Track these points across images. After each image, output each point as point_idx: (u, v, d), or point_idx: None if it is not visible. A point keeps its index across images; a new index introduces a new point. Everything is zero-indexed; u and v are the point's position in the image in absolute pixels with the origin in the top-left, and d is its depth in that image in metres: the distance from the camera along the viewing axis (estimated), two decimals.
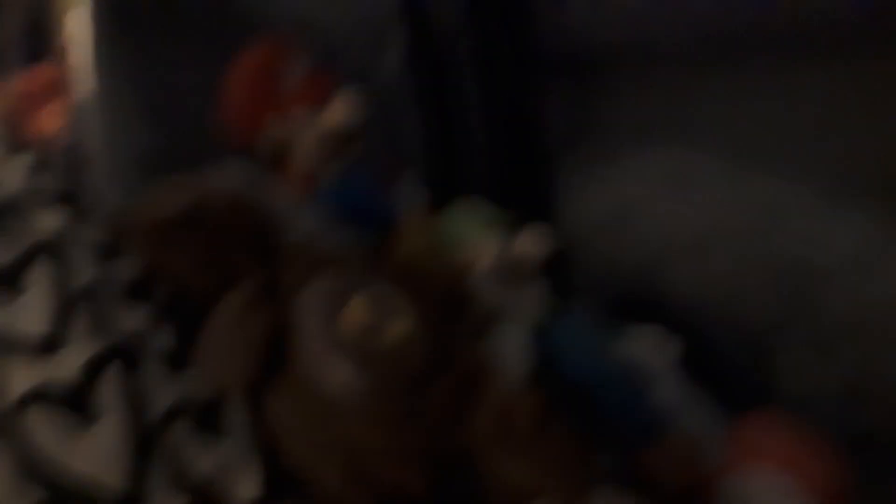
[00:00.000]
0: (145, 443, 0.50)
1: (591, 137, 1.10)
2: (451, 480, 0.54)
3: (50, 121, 0.99)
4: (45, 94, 1.14)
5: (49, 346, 0.52)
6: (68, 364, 0.51)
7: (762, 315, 1.00)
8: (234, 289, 0.55)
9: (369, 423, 0.51)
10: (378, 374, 0.52)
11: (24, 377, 0.50)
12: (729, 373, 0.88)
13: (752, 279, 1.00)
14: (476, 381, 0.55)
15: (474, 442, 0.53)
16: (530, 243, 0.80)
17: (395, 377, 0.53)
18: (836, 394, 0.93)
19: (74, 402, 0.50)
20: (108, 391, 0.51)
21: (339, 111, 0.79)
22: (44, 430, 0.48)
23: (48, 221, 0.60)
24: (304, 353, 0.52)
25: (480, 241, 0.75)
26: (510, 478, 0.53)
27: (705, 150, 1.05)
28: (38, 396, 0.49)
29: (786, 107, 1.02)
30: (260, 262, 0.57)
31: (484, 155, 1.05)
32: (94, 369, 0.52)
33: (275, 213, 0.62)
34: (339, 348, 0.52)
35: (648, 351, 0.76)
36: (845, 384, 0.94)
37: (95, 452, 0.49)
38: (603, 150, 1.10)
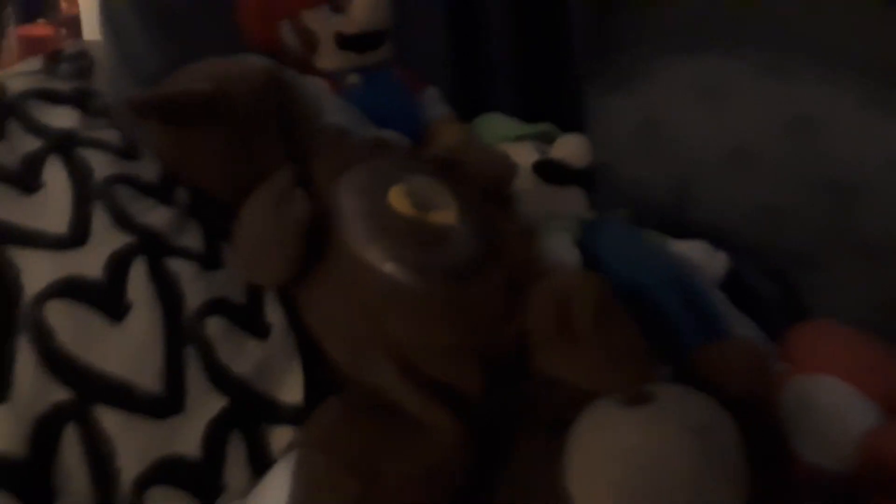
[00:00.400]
0: (179, 341, 0.47)
1: (619, 48, 1.05)
2: (503, 380, 0.51)
3: None
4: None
5: (70, 241, 0.48)
6: (91, 259, 0.47)
7: (800, 233, 0.96)
8: (266, 179, 0.50)
9: (417, 316, 0.47)
10: (423, 264, 0.48)
11: (44, 271, 0.46)
12: (765, 290, 0.85)
13: (789, 196, 0.96)
14: (528, 275, 0.51)
15: (530, 337, 0.50)
16: (570, 149, 0.76)
17: (442, 267, 0.49)
18: (877, 309, 0.91)
19: (101, 300, 0.46)
20: (136, 287, 0.47)
21: (362, 11, 0.74)
22: (67, 327, 0.44)
23: (62, 120, 0.56)
24: (346, 243, 0.48)
25: (515, 147, 0.70)
26: (569, 373, 0.49)
27: (739, 61, 1.00)
28: (59, 292, 0.45)
29: (825, 14, 0.97)
30: (292, 149, 0.53)
31: (511, 67, 0.99)
32: (119, 265, 0.48)
33: (307, 98, 0.57)
34: (382, 236, 0.48)
35: (696, 262, 0.73)
36: (885, 300, 0.91)
37: (125, 350, 0.45)
38: (632, 62, 1.05)
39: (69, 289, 0.46)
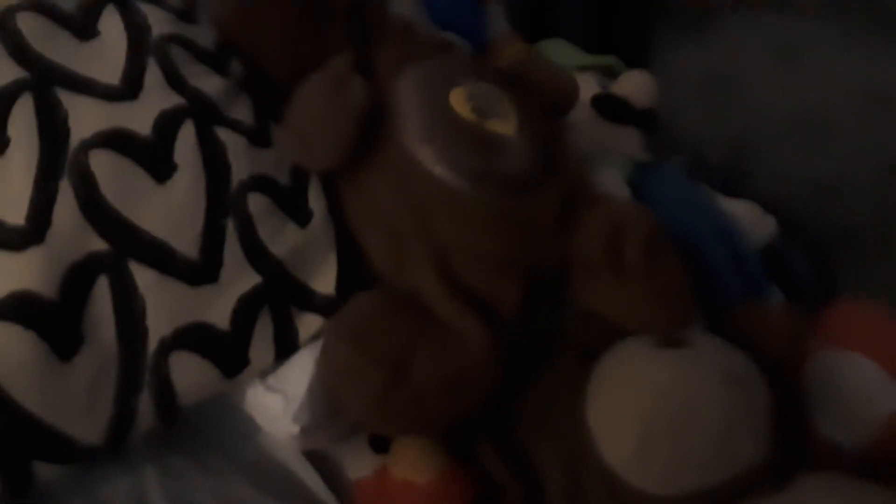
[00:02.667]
0: (220, 211, 0.46)
1: None
2: (541, 303, 0.50)
3: None
4: None
5: (121, 93, 0.46)
6: (141, 115, 0.46)
7: (852, 211, 0.93)
8: (326, 63, 0.48)
9: (463, 221, 0.46)
10: (476, 171, 0.46)
11: (93, 120, 0.44)
12: (800, 266, 0.82)
13: (849, 172, 0.92)
14: (582, 199, 0.49)
15: (576, 262, 0.48)
16: (634, 86, 0.73)
17: (495, 176, 0.47)
18: None
19: (147, 158, 0.45)
20: (183, 150, 0.46)
21: None
22: (110, 179, 0.43)
23: None
24: (401, 138, 0.46)
25: (578, 76, 0.67)
26: (610, 306, 0.48)
27: (821, 26, 0.95)
28: (106, 142, 0.44)
29: None
30: (357, 34, 0.51)
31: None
32: (168, 125, 0.46)
33: None
34: (438, 137, 0.46)
35: (744, 222, 0.71)
36: None
37: (166, 211, 0.44)
38: (704, 11, 1.00)
39: (116, 141, 0.44)
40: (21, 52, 0.46)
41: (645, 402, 0.44)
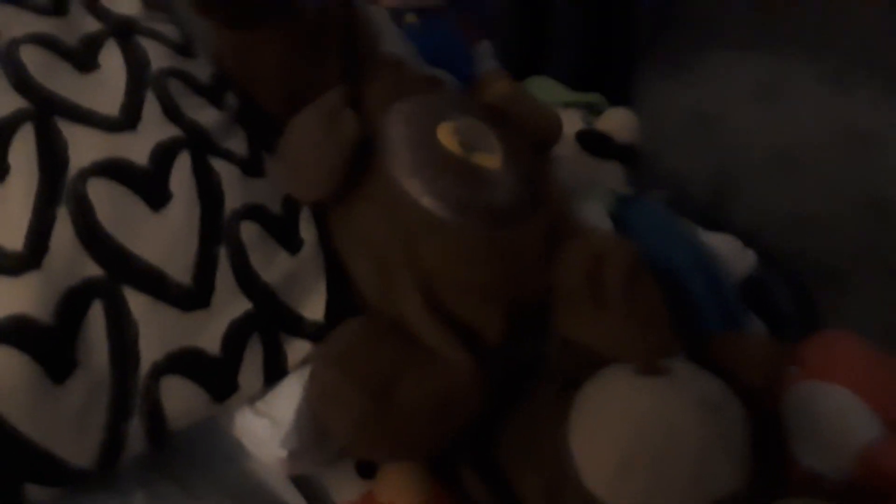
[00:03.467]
0: (213, 238, 0.47)
1: (680, 35, 1.04)
2: (525, 332, 0.51)
3: None
4: None
5: (120, 124, 0.48)
6: (138, 145, 0.47)
7: (833, 247, 0.94)
8: (318, 97, 0.50)
9: (450, 252, 0.47)
10: (463, 202, 0.48)
11: (91, 149, 0.46)
12: (782, 299, 0.84)
13: (829, 208, 0.94)
14: (564, 231, 0.51)
15: (558, 292, 0.50)
16: (617, 122, 0.76)
17: (481, 208, 0.48)
18: None
19: (143, 186, 0.46)
20: (178, 179, 0.47)
21: None
22: (107, 206, 0.45)
23: (124, 7, 0.55)
24: (389, 170, 0.48)
25: (561, 113, 0.69)
26: (591, 336, 0.49)
27: (799, 65, 0.98)
28: (104, 171, 0.46)
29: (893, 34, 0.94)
30: (348, 70, 0.52)
31: (568, 36, 0.98)
32: (164, 155, 0.48)
33: (370, 22, 0.56)
34: (426, 169, 0.48)
35: (724, 255, 0.72)
36: None
37: (161, 238, 0.45)
38: (690, 51, 1.03)
39: (114, 170, 0.46)
40: (23, 83, 0.47)
41: (625, 428, 0.45)
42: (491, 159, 0.51)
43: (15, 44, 0.49)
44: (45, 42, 0.50)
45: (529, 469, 0.48)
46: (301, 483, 0.49)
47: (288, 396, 0.47)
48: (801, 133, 0.96)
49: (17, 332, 0.40)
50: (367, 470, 0.49)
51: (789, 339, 0.65)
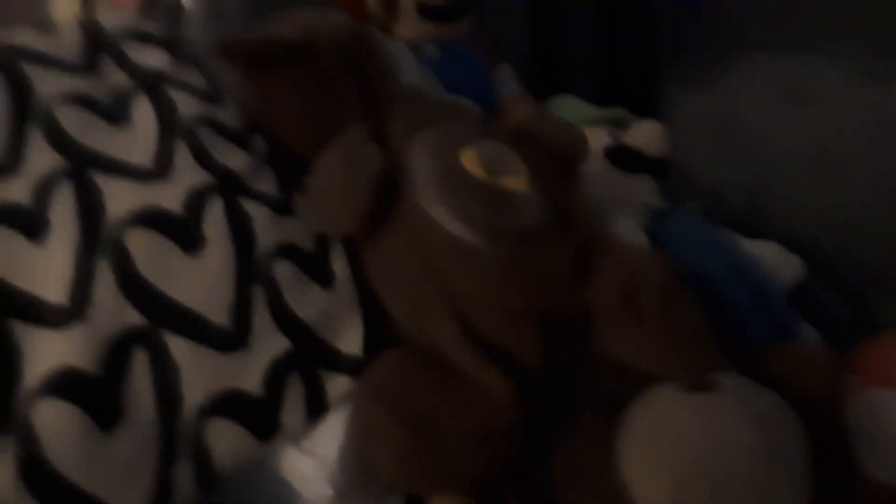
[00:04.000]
0: (249, 279, 0.48)
1: (701, 44, 1.03)
2: (565, 355, 0.50)
3: None
4: None
5: (153, 174, 0.49)
6: (172, 193, 0.49)
7: (880, 249, 0.92)
8: (343, 132, 0.51)
9: (482, 277, 0.47)
10: (491, 226, 0.48)
11: (127, 199, 0.47)
12: (835, 307, 0.81)
13: (872, 209, 0.92)
14: (597, 248, 0.50)
15: (594, 311, 0.49)
16: (645, 136, 0.75)
17: (510, 231, 0.48)
18: None
19: (178, 233, 0.47)
20: (212, 224, 0.48)
21: None
22: (145, 255, 0.46)
23: (153, 60, 0.57)
24: (416, 201, 0.48)
25: (587, 131, 0.69)
26: (630, 353, 0.48)
27: (828, 63, 0.96)
28: (140, 220, 0.47)
29: None
30: (370, 106, 0.53)
31: (590, 52, 0.98)
32: (197, 201, 0.49)
33: (388, 57, 0.57)
34: (452, 196, 0.48)
35: (768, 263, 0.71)
36: None
37: (198, 283, 0.46)
38: (714, 58, 1.02)
39: (149, 218, 0.47)
40: (59, 140, 0.49)
41: (677, 450, 0.44)
42: (517, 181, 0.51)
43: (50, 103, 0.51)
44: (78, 99, 0.52)
45: (583, 498, 0.47)
46: None
47: (331, 433, 0.47)
48: (837, 132, 0.94)
49: (65, 383, 0.41)
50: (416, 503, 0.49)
51: (846, 346, 0.63)
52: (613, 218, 0.63)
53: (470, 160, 0.50)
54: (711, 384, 0.47)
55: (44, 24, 0.59)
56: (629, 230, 0.63)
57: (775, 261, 0.71)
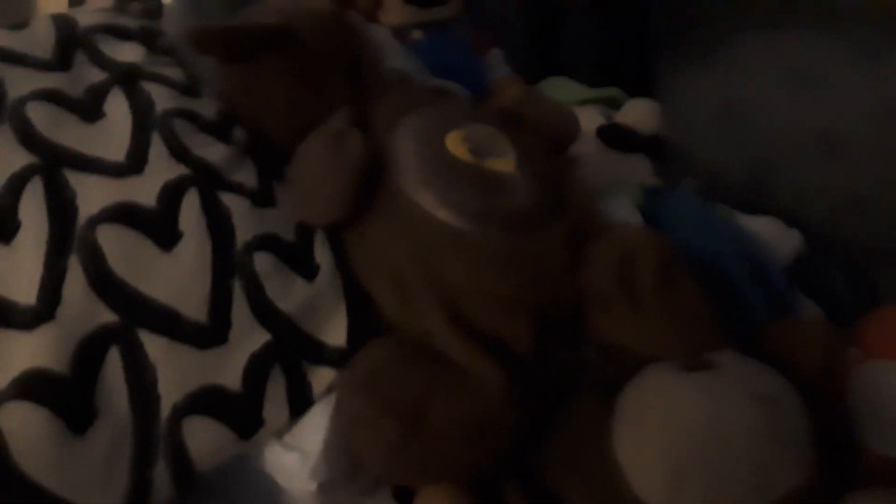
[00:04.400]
0: (226, 273, 0.46)
1: (701, 22, 1.00)
2: (558, 342, 0.48)
3: None
4: None
5: (126, 169, 0.48)
6: (146, 188, 0.47)
7: (884, 227, 0.90)
8: (327, 120, 0.49)
9: (470, 263, 0.45)
10: (479, 211, 0.46)
11: (100, 196, 0.46)
12: (837, 282, 0.79)
13: (877, 188, 0.89)
14: (590, 230, 0.49)
15: (589, 294, 0.47)
16: (638, 114, 0.73)
17: (498, 215, 0.46)
18: None
19: (152, 228, 0.46)
20: (187, 218, 0.47)
21: None
22: (118, 252, 0.44)
23: (128, 54, 0.56)
24: (401, 187, 0.47)
25: (579, 111, 0.67)
26: (627, 336, 0.47)
27: (831, 41, 0.94)
28: (113, 217, 0.45)
29: None
30: (354, 92, 0.52)
31: (584, 33, 0.96)
32: (172, 195, 0.47)
33: (371, 42, 0.55)
34: (438, 181, 0.47)
35: (767, 238, 0.69)
36: None
37: (173, 279, 0.45)
38: (713, 37, 0.99)
39: (122, 215, 0.46)
40: (30, 139, 0.48)
41: (673, 432, 0.42)
42: (504, 163, 0.49)
43: (21, 101, 0.50)
44: (51, 97, 0.51)
45: (577, 484, 0.46)
46: None
47: (315, 427, 0.45)
48: (839, 111, 0.91)
49: (34, 386, 0.40)
50: (405, 496, 0.47)
51: (846, 320, 0.61)
52: (608, 198, 0.62)
53: (456, 144, 0.49)
54: (708, 363, 0.46)
55: (18, 23, 0.58)
56: (624, 209, 0.62)
57: (774, 235, 0.70)
